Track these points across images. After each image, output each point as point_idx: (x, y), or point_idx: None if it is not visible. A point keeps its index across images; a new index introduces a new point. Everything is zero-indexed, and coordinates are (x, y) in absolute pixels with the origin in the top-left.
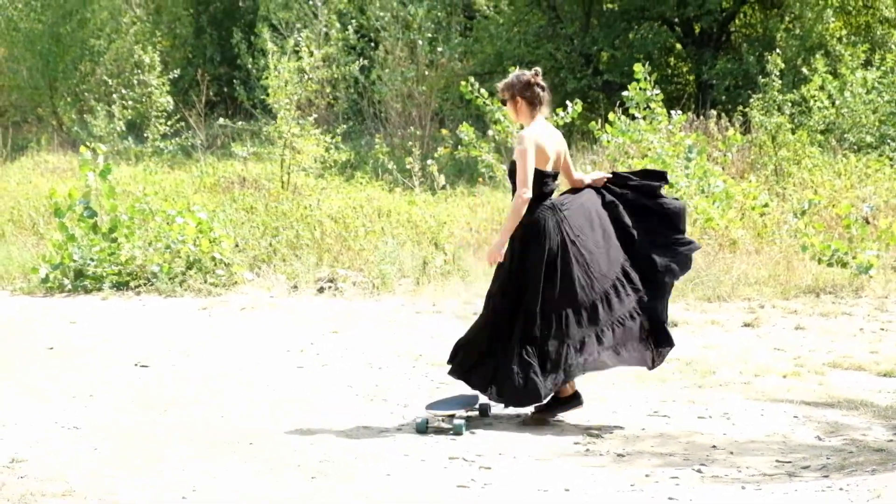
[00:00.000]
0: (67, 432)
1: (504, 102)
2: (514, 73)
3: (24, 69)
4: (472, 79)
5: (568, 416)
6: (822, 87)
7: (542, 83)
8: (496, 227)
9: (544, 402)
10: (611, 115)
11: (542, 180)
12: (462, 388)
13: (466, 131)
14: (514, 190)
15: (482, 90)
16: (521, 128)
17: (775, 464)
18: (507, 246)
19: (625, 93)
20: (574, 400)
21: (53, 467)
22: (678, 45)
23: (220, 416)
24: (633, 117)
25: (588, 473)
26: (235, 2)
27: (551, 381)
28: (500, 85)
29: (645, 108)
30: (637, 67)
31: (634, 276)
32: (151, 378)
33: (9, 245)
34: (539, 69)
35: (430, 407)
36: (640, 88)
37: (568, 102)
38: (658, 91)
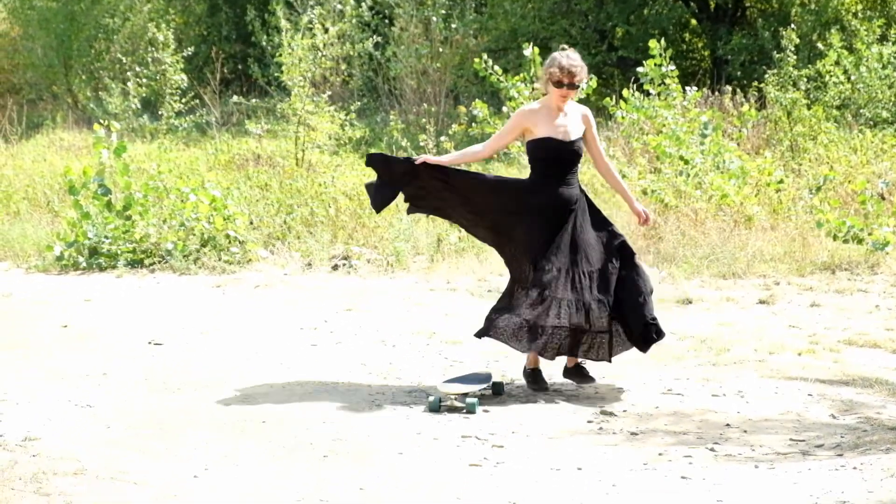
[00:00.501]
0: (80, 410)
1: (576, 86)
2: (568, 54)
3: (38, 47)
4: (485, 55)
5: (581, 395)
6: (837, 63)
7: (563, 64)
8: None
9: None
10: (625, 92)
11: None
12: (475, 367)
13: (480, 108)
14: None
15: (496, 67)
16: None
17: (789, 442)
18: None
19: (640, 69)
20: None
21: (66, 446)
22: (693, 21)
23: (233, 394)
24: (648, 94)
25: (601, 452)
26: None
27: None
28: (581, 68)
29: (660, 85)
30: (652, 43)
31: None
32: (165, 356)
33: (24, 223)
34: (566, 46)
35: (443, 385)
36: (656, 65)
37: None
38: (673, 67)
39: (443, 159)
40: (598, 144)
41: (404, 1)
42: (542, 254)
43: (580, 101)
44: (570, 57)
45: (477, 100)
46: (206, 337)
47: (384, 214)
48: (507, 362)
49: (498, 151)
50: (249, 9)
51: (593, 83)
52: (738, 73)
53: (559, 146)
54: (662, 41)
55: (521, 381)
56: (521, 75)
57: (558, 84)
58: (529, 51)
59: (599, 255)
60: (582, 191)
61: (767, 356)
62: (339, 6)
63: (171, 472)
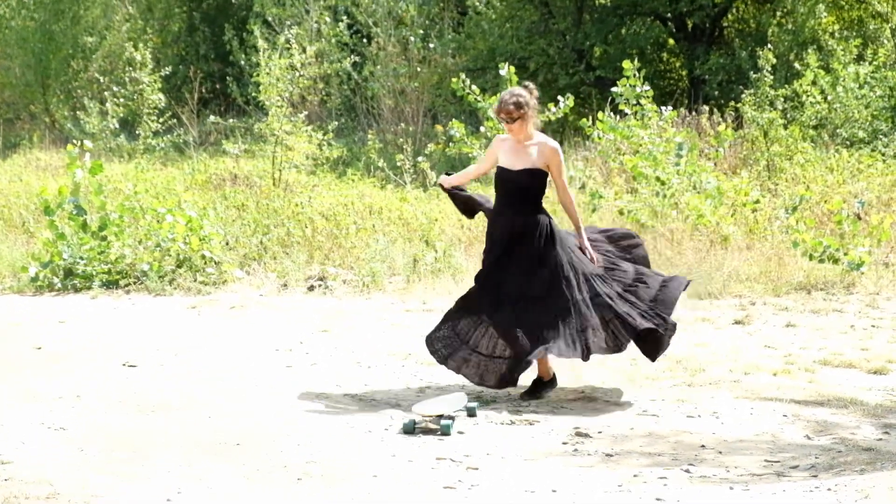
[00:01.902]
0: (54, 433)
1: (514, 120)
2: (514, 90)
3: (16, 66)
4: (462, 75)
5: (555, 417)
6: (814, 82)
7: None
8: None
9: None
10: (600, 114)
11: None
12: (449, 389)
13: (457, 128)
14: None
15: (473, 87)
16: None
17: (764, 463)
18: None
19: (614, 89)
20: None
21: (39, 469)
22: (671, 41)
23: (207, 416)
24: (624, 114)
25: (576, 474)
26: None
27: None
28: (513, 104)
29: (635, 105)
30: (626, 64)
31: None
32: (140, 378)
33: None
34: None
35: (418, 407)
36: (631, 85)
37: (560, 98)
38: (648, 87)
39: (453, 180)
40: (560, 178)
41: (382, 20)
42: (488, 278)
43: (557, 120)
44: (511, 93)
45: (454, 119)
46: (181, 358)
47: (361, 235)
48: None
49: (482, 175)
50: (227, 28)
51: (570, 102)
52: (716, 92)
53: (505, 175)
54: (638, 61)
55: (496, 403)
56: (498, 94)
57: (498, 119)
58: (505, 70)
59: (543, 284)
60: (547, 221)
61: (743, 377)
62: (317, 25)
63: (144, 495)
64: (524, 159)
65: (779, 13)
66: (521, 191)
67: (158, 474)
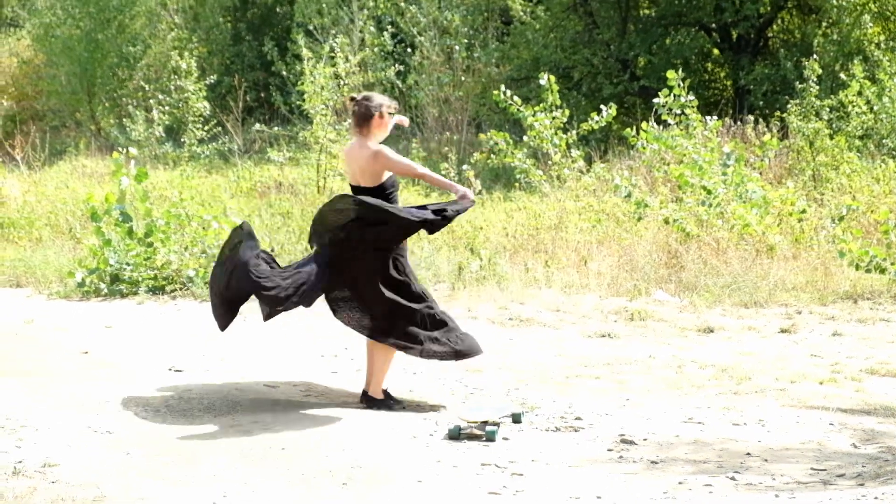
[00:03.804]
0: (100, 437)
1: (370, 117)
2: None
3: (62, 74)
4: (503, 86)
5: (601, 424)
6: (860, 93)
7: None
8: (532, 233)
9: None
10: (643, 124)
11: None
12: (495, 395)
13: (500, 138)
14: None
15: (515, 97)
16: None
17: (810, 472)
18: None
19: (656, 99)
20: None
21: (85, 472)
22: (715, 51)
23: (253, 421)
24: (668, 124)
25: (621, 481)
26: (272, 8)
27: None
28: (371, 100)
29: (679, 115)
30: (670, 74)
31: None
32: (185, 383)
33: (46, 249)
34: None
35: (463, 413)
36: (675, 95)
37: (603, 107)
38: (692, 97)
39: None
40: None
41: (426, 29)
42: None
43: (600, 129)
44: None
45: (495, 129)
46: (226, 364)
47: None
48: (527, 390)
49: None
50: (267, 39)
51: (613, 111)
52: (761, 102)
53: None
54: (682, 71)
55: (541, 409)
56: (542, 105)
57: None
58: (545, 80)
59: None
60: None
61: (789, 385)
62: (361, 35)
63: (190, 499)
64: None
65: (824, 24)
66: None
67: (204, 479)
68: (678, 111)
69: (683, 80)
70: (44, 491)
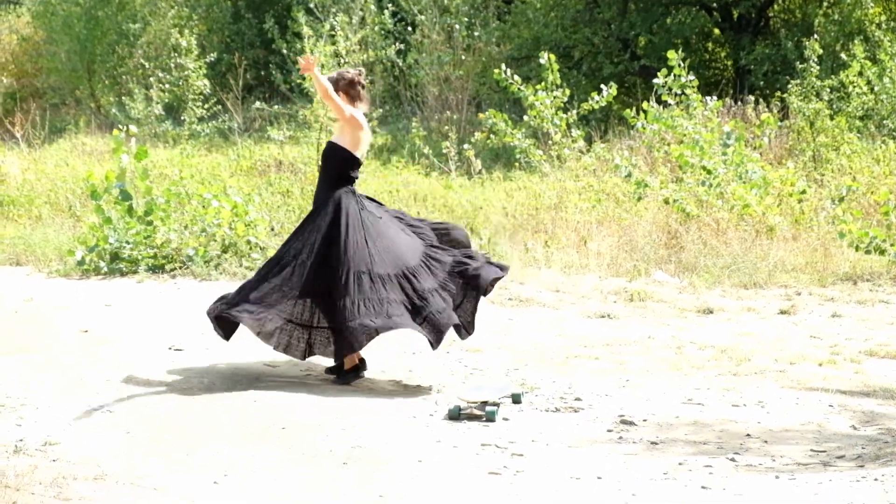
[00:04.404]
0: (100, 416)
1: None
2: (340, 69)
3: (62, 52)
4: (504, 65)
5: (600, 404)
6: (860, 73)
7: (363, 82)
8: (532, 213)
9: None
10: (644, 105)
11: (351, 164)
12: (495, 375)
13: (498, 118)
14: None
15: (516, 76)
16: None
17: (810, 453)
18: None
19: (656, 80)
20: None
21: (86, 451)
22: (716, 31)
23: (253, 400)
24: (667, 104)
25: (621, 461)
26: None
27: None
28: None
29: (679, 95)
30: (670, 54)
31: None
32: (185, 362)
33: (45, 227)
34: (363, 69)
35: (462, 393)
36: (674, 75)
37: (603, 86)
38: (692, 77)
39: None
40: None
41: (427, 8)
42: None
43: (601, 109)
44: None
45: (493, 109)
46: (226, 343)
47: None
48: (527, 371)
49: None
50: (268, 17)
51: (613, 90)
52: (761, 82)
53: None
54: (682, 51)
55: (541, 389)
56: (542, 84)
57: (359, 89)
58: (545, 59)
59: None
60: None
61: (788, 366)
62: (361, 13)
63: (190, 478)
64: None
65: (825, 3)
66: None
67: (205, 457)
68: (678, 91)
69: (683, 59)
70: (45, 469)
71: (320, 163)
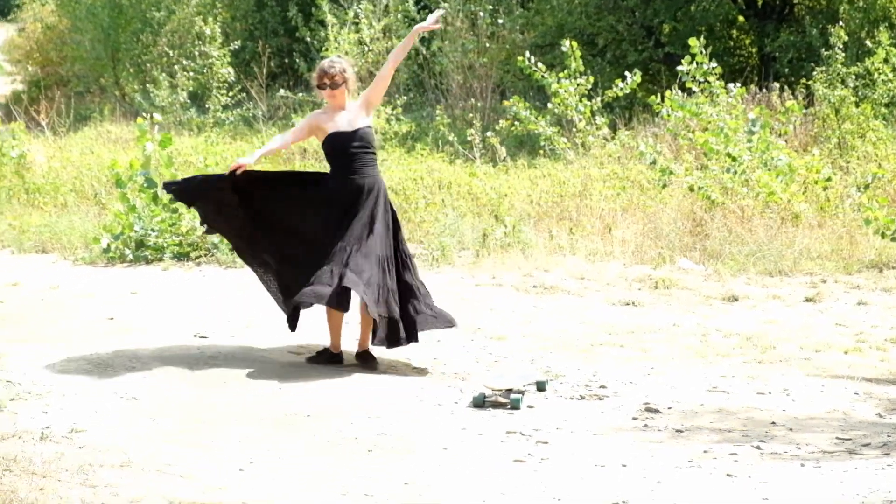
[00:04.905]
0: (126, 403)
1: (337, 86)
2: (334, 58)
3: (86, 40)
4: (528, 53)
5: (625, 392)
6: (886, 60)
7: (325, 82)
8: (556, 200)
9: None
10: (668, 92)
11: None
12: (520, 362)
13: (522, 106)
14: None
15: (539, 64)
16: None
17: (835, 441)
18: None
19: (679, 67)
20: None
21: (112, 438)
22: (740, 18)
23: (278, 388)
24: (691, 92)
25: (646, 449)
26: None
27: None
28: (338, 69)
29: (703, 82)
30: (692, 42)
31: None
32: (211, 349)
33: (71, 215)
34: (337, 60)
35: (487, 381)
36: (697, 63)
37: (627, 73)
38: (715, 65)
39: (250, 160)
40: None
41: None
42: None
43: (625, 96)
44: (331, 60)
45: (518, 96)
46: (252, 330)
47: (430, 210)
48: (552, 358)
49: (294, 143)
50: (292, 5)
51: (637, 77)
52: (786, 70)
53: (344, 137)
54: (706, 38)
55: (566, 377)
56: (566, 71)
57: (321, 86)
58: (567, 46)
59: (387, 245)
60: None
61: (813, 354)
62: (385, 1)
63: (216, 465)
64: (357, 119)
65: None
66: (362, 151)
67: (230, 444)
68: (702, 79)
69: (706, 47)
70: (71, 456)
71: (363, 146)
